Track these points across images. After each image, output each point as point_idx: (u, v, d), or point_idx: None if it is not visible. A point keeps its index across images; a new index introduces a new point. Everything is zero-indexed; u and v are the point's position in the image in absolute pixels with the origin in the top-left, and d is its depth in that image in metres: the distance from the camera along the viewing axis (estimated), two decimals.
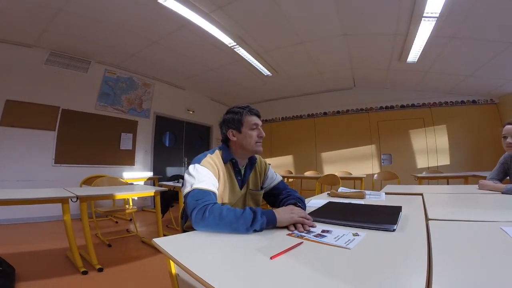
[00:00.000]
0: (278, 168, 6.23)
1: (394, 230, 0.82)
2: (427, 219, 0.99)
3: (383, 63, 4.39)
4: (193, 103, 6.18)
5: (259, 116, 1.23)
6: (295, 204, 1.09)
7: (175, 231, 3.15)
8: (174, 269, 0.67)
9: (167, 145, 5.85)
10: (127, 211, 3.19)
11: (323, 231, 0.83)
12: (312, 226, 0.89)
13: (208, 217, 0.84)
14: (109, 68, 4.70)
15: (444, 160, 5.13)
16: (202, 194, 0.95)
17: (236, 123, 1.18)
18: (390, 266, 0.57)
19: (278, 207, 1.12)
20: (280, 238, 0.78)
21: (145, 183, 4.91)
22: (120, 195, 2.46)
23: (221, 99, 6.65)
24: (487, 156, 4.51)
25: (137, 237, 3.10)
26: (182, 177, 3.84)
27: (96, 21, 3.29)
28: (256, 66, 4.54)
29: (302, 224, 0.88)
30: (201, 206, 0.88)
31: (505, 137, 1.81)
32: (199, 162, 1.08)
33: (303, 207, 1.11)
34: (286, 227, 0.87)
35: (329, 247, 0.69)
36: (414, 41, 3.33)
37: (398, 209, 1.05)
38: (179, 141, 6.08)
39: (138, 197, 4.57)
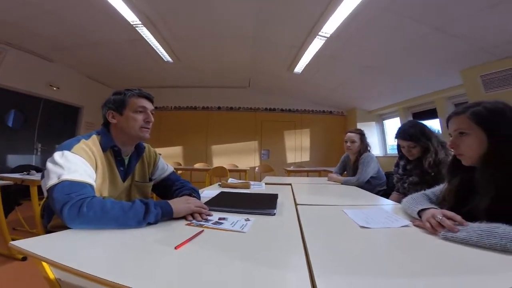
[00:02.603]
0: (166, 159, 5.80)
1: (274, 214, 1.00)
2: (296, 204, 1.25)
3: (276, 70, 4.95)
4: (60, 78, 4.80)
5: (150, 100, 1.14)
6: (189, 195, 1.10)
7: (28, 234, 2.42)
8: (51, 274, 0.55)
9: (10, 126, 4.32)
10: None
11: (220, 218, 0.90)
12: (209, 215, 0.94)
13: (87, 212, 0.73)
14: None
15: (306, 157, 6.43)
16: (75, 187, 0.80)
17: (118, 104, 1.06)
18: (277, 243, 0.72)
19: (171, 198, 1.11)
20: (179, 229, 0.79)
21: None
22: None
23: (103, 78, 5.53)
24: (335, 155, 5.77)
25: None
26: (34, 168, 2.97)
27: None
28: (157, 50, 4.10)
29: (200, 214, 0.91)
30: (76, 200, 0.75)
31: (346, 142, 2.51)
32: (69, 149, 0.89)
33: (198, 197, 1.13)
34: (184, 218, 0.89)
35: (228, 232, 0.77)
36: (304, 55, 3.87)
37: (275, 197, 1.28)
38: (31, 123, 4.58)
39: None
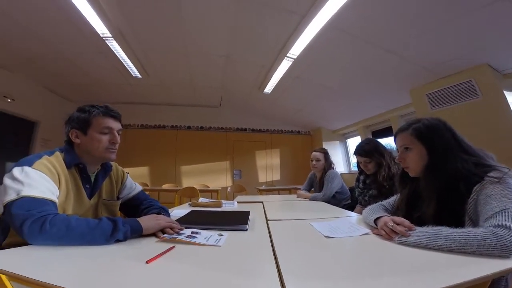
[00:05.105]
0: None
1: (246, 230, 1.03)
2: (267, 220, 1.30)
3: (247, 89, 5.05)
4: (14, 89, 4.38)
5: (117, 119, 1.12)
6: (158, 213, 1.09)
7: None
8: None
9: None
10: None
11: (192, 232, 0.91)
12: (181, 229, 0.94)
13: (50, 229, 0.71)
14: None
15: (276, 176, 6.55)
16: (36, 204, 0.77)
17: (82, 123, 1.02)
18: (250, 255, 0.75)
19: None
20: (150, 245, 0.78)
21: None
22: None
23: (65, 92, 5.18)
24: (303, 173, 6.07)
25: None
26: None
27: None
28: (125, 65, 3.97)
29: (171, 228, 0.91)
30: (37, 217, 0.73)
31: (312, 160, 2.65)
32: (30, 164, 0.86)
33: (167, 215, 1.13)
34: (154, 235, 0.87)
35: (202, 246, 0.78)
36: (274, 75, 4.03)
37: (247, 213, 1.30)
38: None
39: None
